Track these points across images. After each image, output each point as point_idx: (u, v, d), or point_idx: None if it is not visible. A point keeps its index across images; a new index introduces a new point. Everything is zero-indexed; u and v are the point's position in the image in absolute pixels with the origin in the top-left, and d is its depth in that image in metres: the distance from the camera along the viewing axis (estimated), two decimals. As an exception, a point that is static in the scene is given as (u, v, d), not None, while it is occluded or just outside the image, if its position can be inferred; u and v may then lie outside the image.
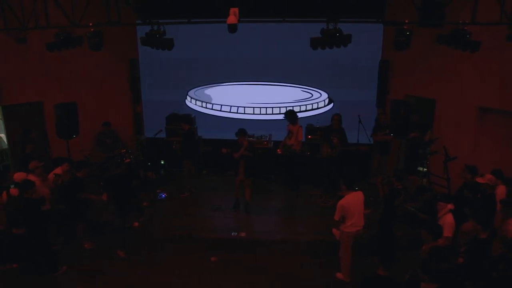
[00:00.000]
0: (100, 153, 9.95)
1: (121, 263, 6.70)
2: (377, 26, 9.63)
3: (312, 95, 10.77)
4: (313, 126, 10.21)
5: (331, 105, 10.68)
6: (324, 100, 10.72)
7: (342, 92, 10.48)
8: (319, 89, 10.75)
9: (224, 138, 9.98)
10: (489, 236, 4.93)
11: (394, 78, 10.02)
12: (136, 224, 7.74)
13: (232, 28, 6.25)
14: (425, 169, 8.70)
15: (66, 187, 6.93)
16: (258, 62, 10.57)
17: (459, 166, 6.85)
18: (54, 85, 9.61)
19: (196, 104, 11.12)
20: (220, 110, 11.01)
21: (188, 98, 11.18)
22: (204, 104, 11.06)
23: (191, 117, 10.56)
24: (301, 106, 10.64)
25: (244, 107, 10.92)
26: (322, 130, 9.75)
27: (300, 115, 9.25)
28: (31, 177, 6.58)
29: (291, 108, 9.98)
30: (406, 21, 6.51)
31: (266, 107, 10.87)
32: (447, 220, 5.34)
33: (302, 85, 10.79)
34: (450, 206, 5.46)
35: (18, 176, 6.65)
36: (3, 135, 9.49)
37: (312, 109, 10.70)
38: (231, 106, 10.95)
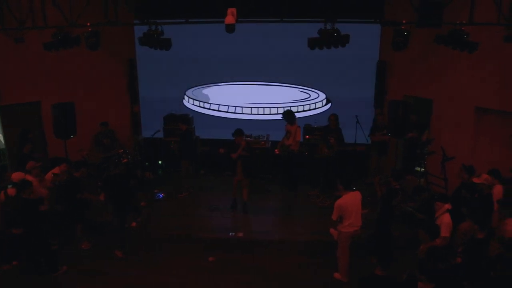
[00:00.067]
0: (98, 153, 9.91)
1: (120, 263, 6.70)
2: (375, 26, 9.63)
3: (310, 96, 10.78)
4: (311, 126, 10.22)
5: (329, 105, 10.69)
6: (322, 101, 10.72)
7: (340, 92, 10.47)
8: (317, 89, 10.75)
9: (221, 138, 9.96)
10: (486, 236, 4.94)
11: (392, 79, 10.02)
12: (134, 224, 7.73)
13: (230, 28, 6.25)
14: (422, 169, 8.70)
15: (64, 187, 6.92)
16: (256, 62, 10.55)
17: (457, 166, 6.86)
18: (51, 85, 9.58)
19: (193, 104, 11.11)
20: (218, 110, 11.00)
21: (186, 97, 11.17)
22: (201, 104, 11.05)
23: (189, 117, 10.56)
24: (299, 106, 10.64)
25: (242, 107, 10.91)
26: (320, 130, 9.76)
27: (298, 115, 9.24)
28: (28, 178, 6.57)
29: (289, 108, 9.98)
30: (404, 21, 6.52)
31: (264, 107, 10.86)
32: (445, 220, 5.34)
33: (300, 85, 10.80)
34: (448, 206, 5.46)
35: (16, 176, 6.64)
36: (0, 135, 9.45)
37: (310, 109, 10.70)
38: (228, 106, 10.94)
